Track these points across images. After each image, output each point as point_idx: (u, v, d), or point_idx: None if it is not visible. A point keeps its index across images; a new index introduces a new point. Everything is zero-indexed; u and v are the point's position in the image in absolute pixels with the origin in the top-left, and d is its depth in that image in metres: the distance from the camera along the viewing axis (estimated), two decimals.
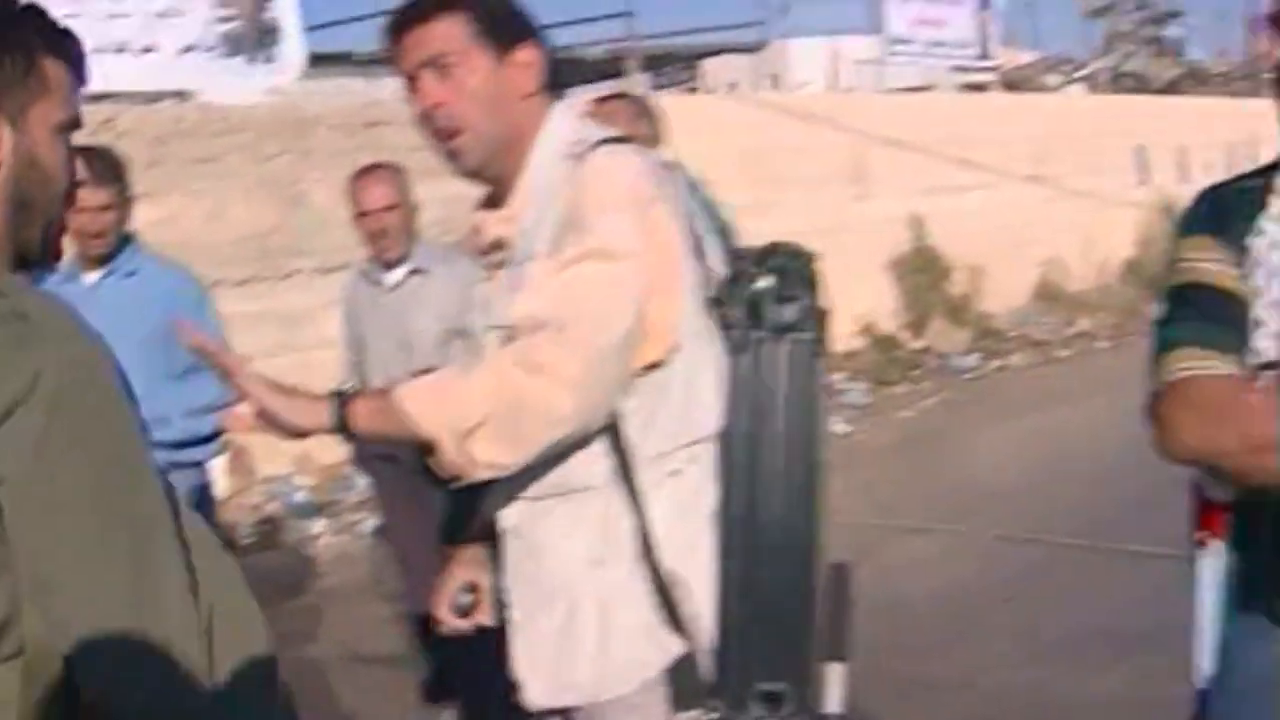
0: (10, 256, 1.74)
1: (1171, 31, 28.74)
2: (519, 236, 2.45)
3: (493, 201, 2.54)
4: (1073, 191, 18.78)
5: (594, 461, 2.38)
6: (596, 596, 2.41)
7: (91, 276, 4.55)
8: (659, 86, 18.03)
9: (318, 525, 9.15)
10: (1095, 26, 25.92)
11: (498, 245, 2.50)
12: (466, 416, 2.25)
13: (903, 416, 12.24)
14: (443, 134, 2.43)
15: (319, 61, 12.30)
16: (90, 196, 4.49)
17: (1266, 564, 2.26)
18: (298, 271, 9.78)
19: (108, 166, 4.56)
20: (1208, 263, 2.26)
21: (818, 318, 2.39)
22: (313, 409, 2.33)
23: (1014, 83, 22.45)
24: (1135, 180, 20.63)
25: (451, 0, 2.42)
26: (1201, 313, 2.23)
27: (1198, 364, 2.18)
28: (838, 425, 10.53)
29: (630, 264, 2.30)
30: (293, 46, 11.31)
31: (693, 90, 19.22)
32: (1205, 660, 2.42)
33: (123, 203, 4.61)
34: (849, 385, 12.83)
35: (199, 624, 1.51)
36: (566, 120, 2.49)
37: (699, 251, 2.43)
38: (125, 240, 4.63)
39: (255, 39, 11.07)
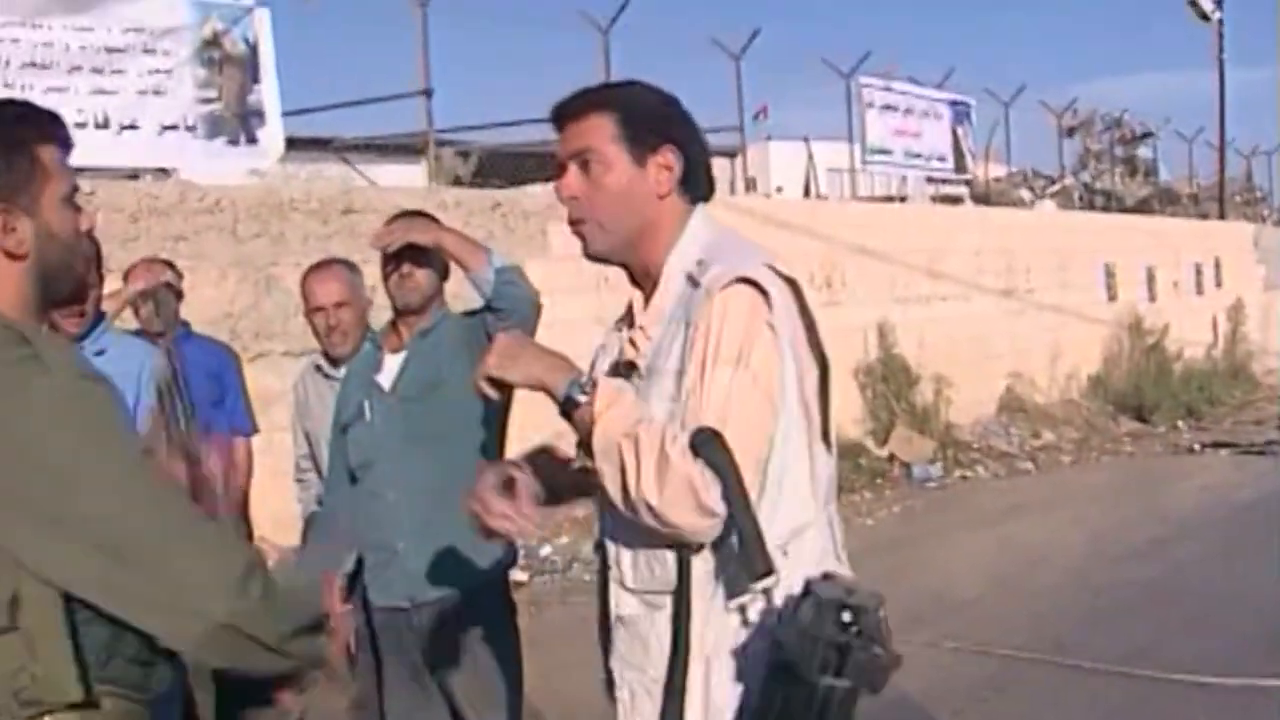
0: (41, 315, 2.25)
1: (1143, 152, 29.15)
2: (645, 355, 2.67)
3: (635, 280, 2.79)
4: (1041, 305, 18.97)
5: (694, 563, 2.54)
6: (696, 688, 2.56)
7: None
8: None
9: None
10: (1069, 144, 26.25)
11: (631, 365, 2.70)
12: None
13: (864, 524, 12.25)
14: (573, 222, 2.73)
15: (297, 145, 12.39)
16: None
17: None
18: (267, 354, 9.77)
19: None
20: None
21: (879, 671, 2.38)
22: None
23: (986, 195, 22.71)
24: (1103, 296, 20.85)
25: (602, 102, 2.72)
26: None
27: None
28: None
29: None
30: (274, 130, 11.39)
31: None
32: None
33: (98, 281, 4.63)
34: None
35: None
36: (699, 234, 2.72)
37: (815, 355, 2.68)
38: (97, 319, 4.65)
39: (237, 121, 11.15)
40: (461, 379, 4.36)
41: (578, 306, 11.07)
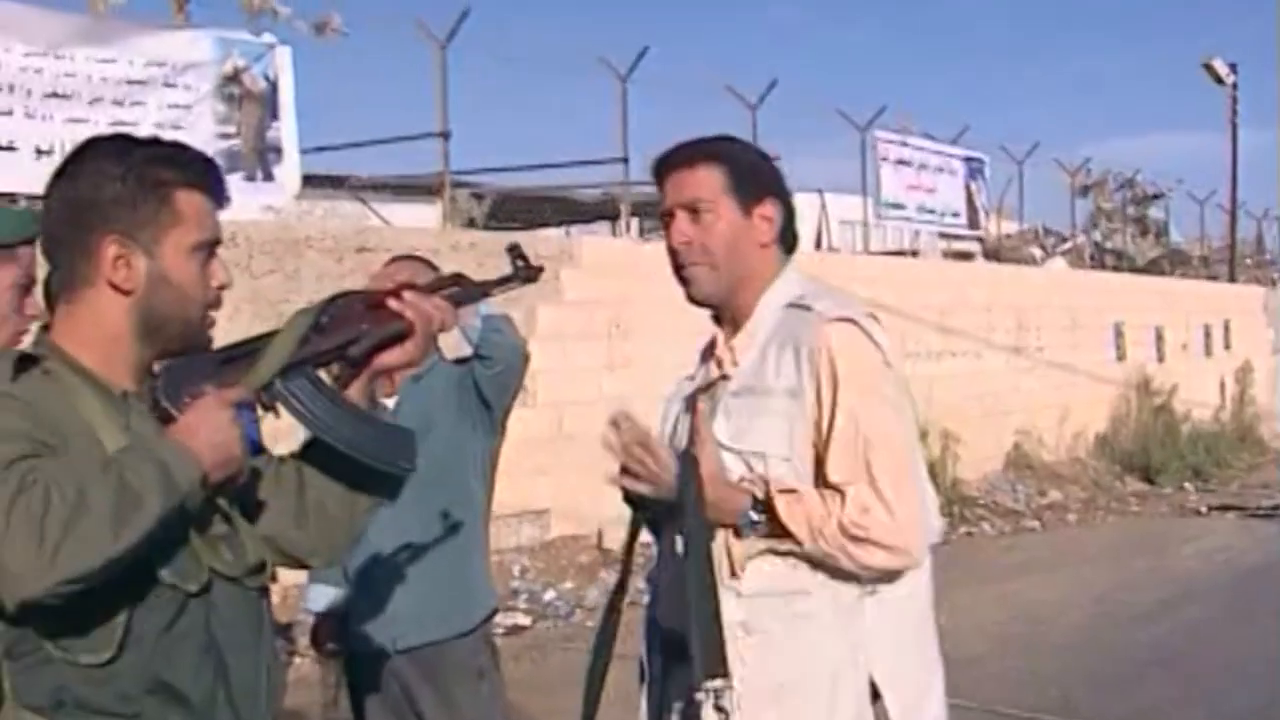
0: (143, 364, 2.22)
1: (1155, 212, 29.19)
2: (739, 373, 2.86)
3: (719, 319, 2.97)
4: (1050, 363, 18.96)
5: (810, 575, 2.80)
6: None
7: None
8: (648, 231, 18.20)
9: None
10: (1081, 203, 26.27)
11: (724, 377, 2.90)
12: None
13: None
14: (684, 265, 2.89)
15: (313, 183, 12.44)
16: None
17: None
18: None
19: None
20: None
21: None
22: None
23: (998, 252, 22.73)
24: (1112, 356, 20.84)
25: (712, 153, 2.90)
26: None
27: None
28: None
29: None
30: (291, 167, 11.45)
31: None
32: None
33: None
34: None
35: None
36: (792, 283, 2.90)
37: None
38: None
39: (255, 157, 11.21)
40: (449, 425, 4.37)
41: (589, 352, 11.07)
